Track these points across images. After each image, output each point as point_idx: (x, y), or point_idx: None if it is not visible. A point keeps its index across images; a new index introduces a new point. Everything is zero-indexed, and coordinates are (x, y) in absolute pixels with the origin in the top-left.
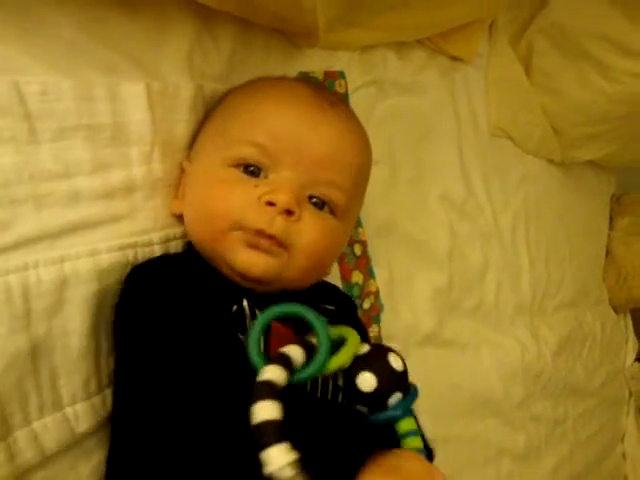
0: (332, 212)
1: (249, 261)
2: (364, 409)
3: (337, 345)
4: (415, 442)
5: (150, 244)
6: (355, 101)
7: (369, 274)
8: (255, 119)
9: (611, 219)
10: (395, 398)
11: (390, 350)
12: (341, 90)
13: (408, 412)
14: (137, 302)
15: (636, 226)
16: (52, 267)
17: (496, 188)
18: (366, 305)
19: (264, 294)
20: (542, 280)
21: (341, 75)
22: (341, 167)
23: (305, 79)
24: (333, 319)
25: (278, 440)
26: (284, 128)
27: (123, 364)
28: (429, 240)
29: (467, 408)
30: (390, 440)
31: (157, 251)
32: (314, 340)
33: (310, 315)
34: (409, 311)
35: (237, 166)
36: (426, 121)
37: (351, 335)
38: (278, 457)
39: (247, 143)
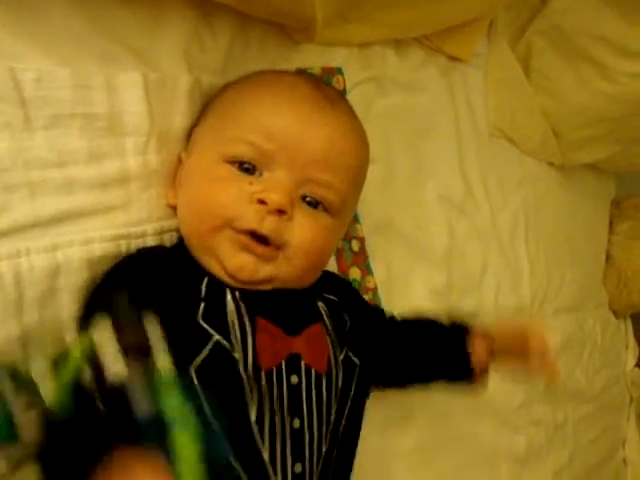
0: (326, 210)
1: (239, 264)
2: None
3: None
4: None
5: (144, 235)
6: (353, 98)
7: (367, 270)
8: (251, 116)
9: (611, 223)
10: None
11: None
12: (339, 86)
13: None
14: (106, 284)
15: (636, 230)
16: (44, 255)
17: (494, 188)
18: None
19: (257, 291)
20: (542, 283)
21: (339, 71)
22: (337, 168)
23: (305, 74)
24: (335, 308)
25: None
26: (280, 127)
27: None
28: (427, 238)
29: (467, 409)
30: None
31: (151, 243)
32: None
33: None
34: (407, 309)
35: (232, 163)
36: (424, 119)
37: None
38: None
39: (242, 141)
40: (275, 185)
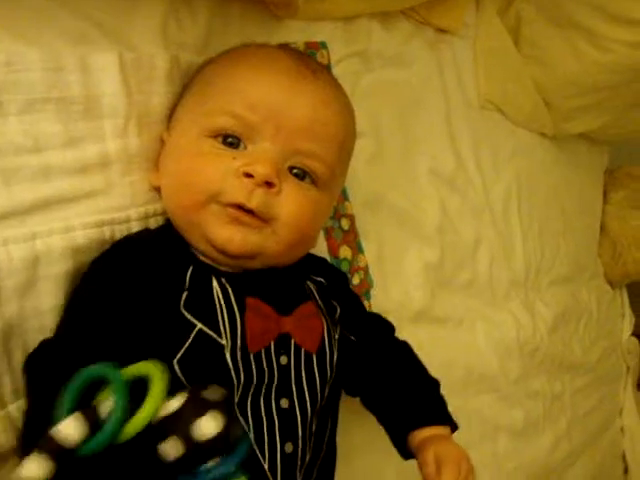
0: (314, 183)
1: (227, 236)
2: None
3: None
4: None
5: (128, 220)
6: (338, 73)
7: (357, 249)
8: (233, 88)
9: (605, 193)
10: (212, 464)
11: (208, 407)
12: (323, 61)
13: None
14: (91, 277)
15: (630, 200)
16: (23, 244)
17: (486, 161)
18: (355, 281)
19: (245, 273)
20: (536, 255)
21: (323, 45)
22: (322, 137)
23: (286, 46)
24: (324, 292)
25: None
26: (263, 98)
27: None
28: (419, 214)
29: (462, 385)
30: None
31: (135, 227)
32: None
33: (112, 375)
34: (400, 287)
35: (215, 137)
36: (413, 93)
37: (156, 384)
38: None
39: (225, 113)
40: (260, 157)
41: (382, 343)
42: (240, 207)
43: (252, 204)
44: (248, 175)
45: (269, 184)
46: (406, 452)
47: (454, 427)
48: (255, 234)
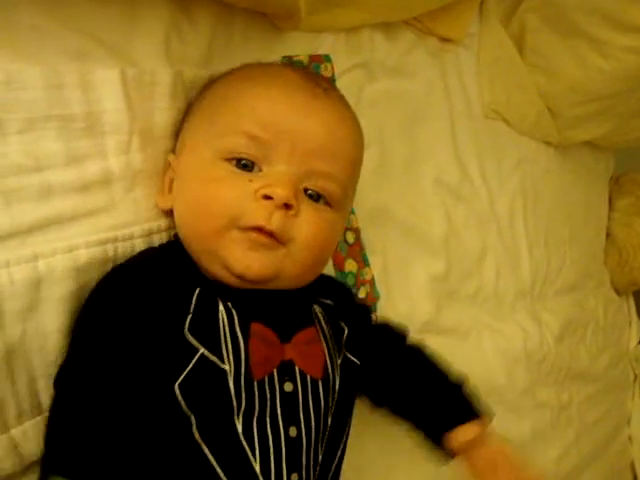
0: (328, 204)
1: (247, 263)
2: None
3: None
4: None
5: (131, 238)
6: (342, 85)
7: (363, 262)
8: (245, 106)
9: (610, 200)
10: None
11: None
12: (327, 74)
13: None
14: (95, 302)
15: (636, 207)
16: (25, 265)
17: (491, 171)
18: (361, 294)
19: (254, 292)
20: (542, 264)
21: (327, 58)
22: (337, 157)
23: (294, 65)
24: (331, 314)
25: None
26: (276, 116)
27: (68, 361)
28: (424, 225)
29: None
30: None
31: (139, 245)
32: None
33: None
34: (406, 299)
35: (229, 160)
36: (417, 104)
37: None
38: None
39: (237, 133)
40: (278, 179)
41: (397, 352)
42: (260, 229)
43: (272, 226)
44: (267, 197)
45: (288, 206)
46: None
47: (489, 416)
48: (273, 257)
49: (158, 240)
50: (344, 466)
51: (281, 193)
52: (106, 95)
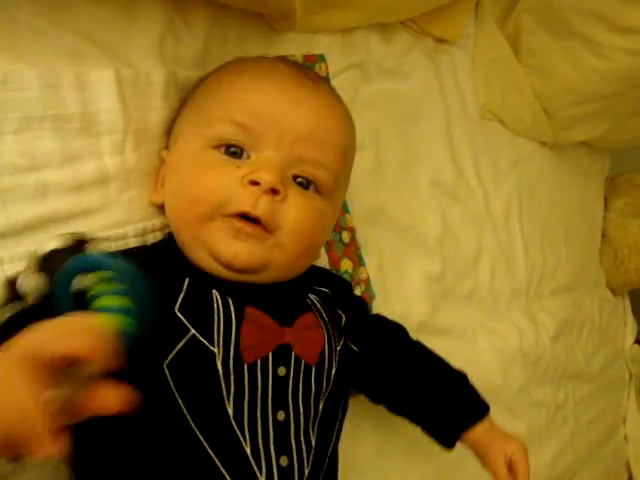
0: (318, 191)
1: (233, 251)
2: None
3: None
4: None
5: (125, 237)
6: (337, 85)
7: (359, 262)
8: (234, 97)
9: (606, 201)
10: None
11: None
12: (321, 74)
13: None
14: None
15: (631, 207)
16: (19, 264)
17: (487, 172)
18: (357, 294)
19: (247, 285)
20: (538, 264)
21: (321, 58)
22: (326, 144)
23: (283, 58)
24: (329, 302)
25: None
26: (265, 105)
27: None
28: (419, 226)
29: None
30: None
31: (132, 244)
32: None
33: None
34: (401, 299)
35: (218, 147)
36: (412, 104)
37: None
38: None
39: (227, 121)
40: (265, 164)
41: (398, 343)
42: (245, 216)
43: (258, 212)
44: (254, 183)
45: (274, 191)
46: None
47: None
48: (261, 247)
49: (152, 239)
50: (341, 465)
51: (267, 178)
52: (101, 95)
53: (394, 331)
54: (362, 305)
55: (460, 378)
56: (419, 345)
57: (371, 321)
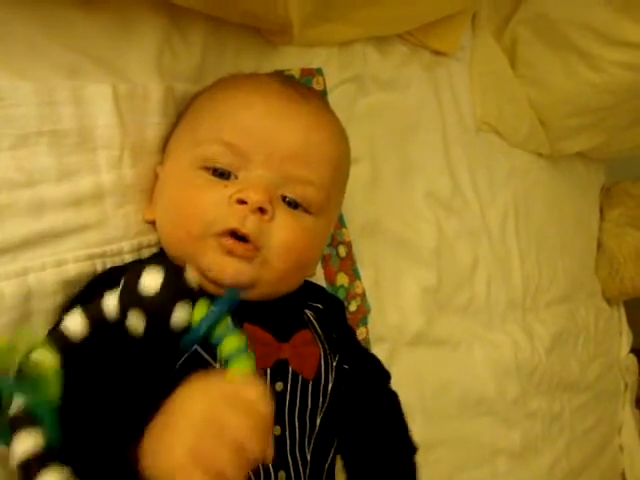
0: (306, 210)
1: (220, 267)
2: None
3: None
4: (240, 364)
5: (120, 253)
6: (334, 98)
7: (354, 275)
8: (222, 116)
9: (601, 211)
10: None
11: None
12: (319, 87)
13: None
14: (84, 294)
15: (626, 217)
16: (15, 280)
17: (483, 183)
18: (353, 307)
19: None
20: (533, 275)
21: (319, 72)
22: (316, 161)
23: (276, 73)
24: (322, 317)
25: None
26: (252, 123)
27: None
28: (415, 238)
29: (460, 407)
30: None
31: (128, 260)
32: None
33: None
34: (397, 311)
35: (206, 169)
36: (409, 117)
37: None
38: None
39: (215, 141)
40: (253, 184)
41: (369, 392)
42: (234, 234)
43: (246, 229)
44: (241, 202)
45: (262, 210)
46: None
47: None
48: (248, 264)
49: (147, 254)
50: None
51: (254, 197)
52: (98, 110)
53: (373, 375)
54: (349, 333)
55: (408, 451)
56: (391, 399)
57: (356, 352)
